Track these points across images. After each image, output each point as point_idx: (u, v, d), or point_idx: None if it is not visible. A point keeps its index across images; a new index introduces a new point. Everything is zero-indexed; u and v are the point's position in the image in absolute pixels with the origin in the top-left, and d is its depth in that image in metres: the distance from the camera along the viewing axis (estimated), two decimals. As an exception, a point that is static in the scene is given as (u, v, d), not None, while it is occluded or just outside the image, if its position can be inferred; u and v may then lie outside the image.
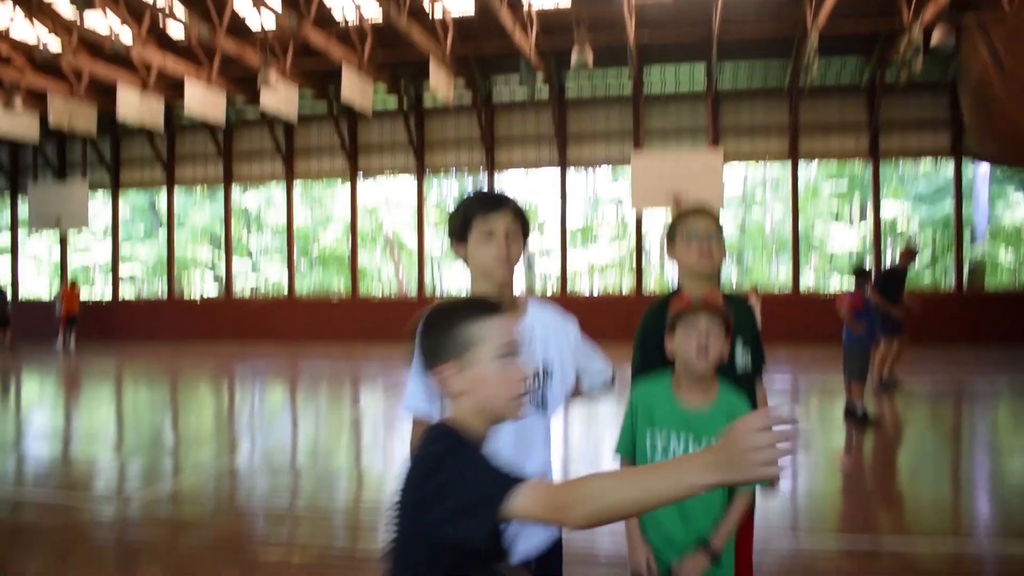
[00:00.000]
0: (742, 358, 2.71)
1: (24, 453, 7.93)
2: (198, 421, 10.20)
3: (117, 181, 22.96)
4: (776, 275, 30.69)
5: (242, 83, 18.27)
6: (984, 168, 25.39)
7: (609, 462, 2.56)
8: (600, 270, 31.48)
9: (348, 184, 21.38)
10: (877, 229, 19.16)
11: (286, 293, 22.27)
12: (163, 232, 26.01)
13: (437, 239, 28.41)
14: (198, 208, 31.91)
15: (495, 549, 1.56)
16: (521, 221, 2.21)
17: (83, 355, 18.18)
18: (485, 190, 2.27)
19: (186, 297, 27.52)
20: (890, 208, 26.50)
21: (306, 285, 31.19)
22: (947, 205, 23.68)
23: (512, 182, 22.79)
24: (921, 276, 26.15)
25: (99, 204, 26.02)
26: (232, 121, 21.23)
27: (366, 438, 8.90)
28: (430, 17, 16.24)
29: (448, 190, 30.00)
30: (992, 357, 14.68)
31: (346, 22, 16.64)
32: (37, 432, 9.32)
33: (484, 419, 1.64)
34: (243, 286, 30.94)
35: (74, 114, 17.85)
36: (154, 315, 22.69)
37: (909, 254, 10.90)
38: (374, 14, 16.46)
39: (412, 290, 25.13)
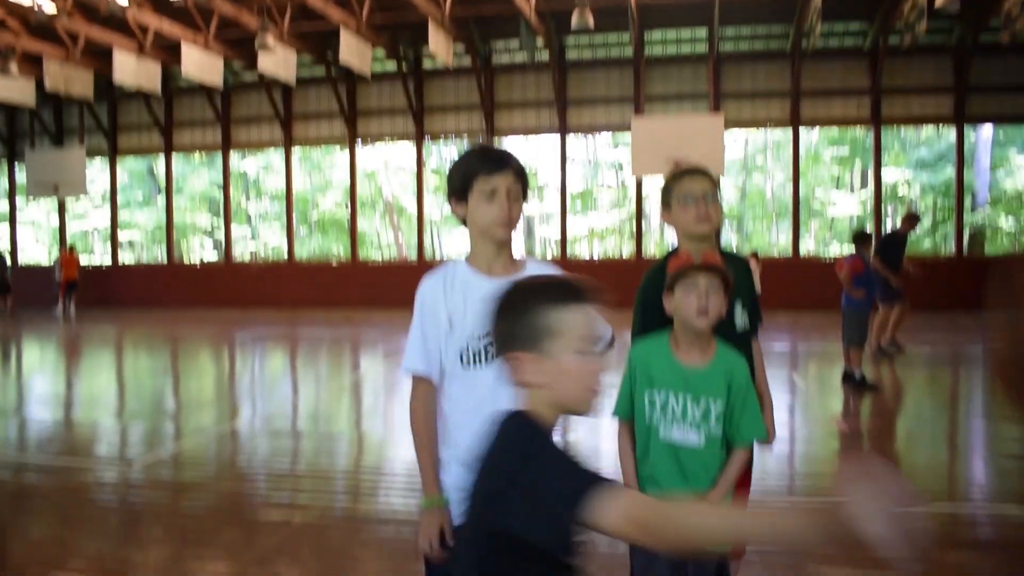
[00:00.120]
0: (741, 317, 2.71)
1: (26, 418, 7.98)
2: (199, 386, 10.25)
3: (115, 147, 22.81)
4: (776, 241, 30.67)
5: (239, 46, 18.07)
6: (986, 133, 25.28)
7: (608, 425, 2.56)
8: (600, 236, 31.44)
9: (347, 149, 21.26)
10: (878, 195, 19.09)
11: (286, 259, 22.24)
12: (161, 198, 25.91)
13: (436, 204, 28.34)
14: (196, 174, 31.77)
15: (569, 550, 1.49)
16: (522, 181, 2.19)
17: (83, 321, 18.21)
18: (486, 146, 2.23)
19: (186, 263, 27.50)
20: (891, 174, 26.40)
21: (306, 250, 31.18)
22: (948, 171, 23.61)
23: (512, 148, 22.67)
24: (921, 242, 26.11)
25: (97, 170, 25.92)
26: (230, 85, 21.04)
27: (366, 402, 8.95)
28: (429, -21, 16.04)
29: (448, 155, 29.87)
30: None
31: (344, -16, 16.44)
32: (39, 398, 9.37)
33: (557, 411, 1.57)
34: (242, 252, 30.92)
35: (70, 78, 17.69)
36: (153, 281, 22.67)
37: (911, 219, 10.85)
38: (372, -24, 16.25)
39: (412, 255, 25.11)
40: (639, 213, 20.29)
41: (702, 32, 18.47)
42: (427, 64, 20.18)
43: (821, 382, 9.39)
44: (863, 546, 1.17)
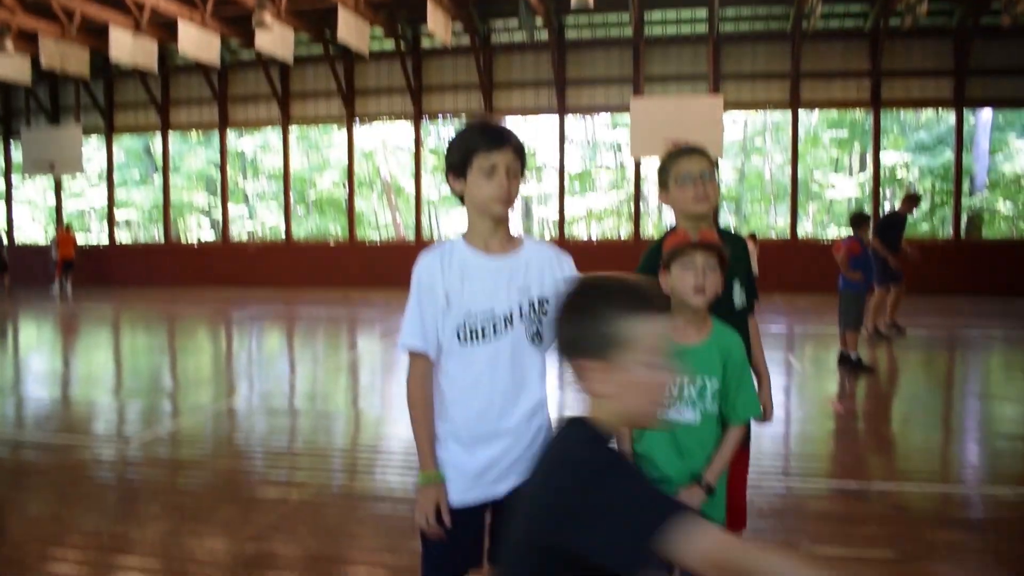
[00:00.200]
0: (739, 296, 2.72)
1: (23, 396, 7.99)
2: (196, 365, 10.26)
3: (111, 125, 22.71)
4: (774, 223, 30.66)
5: (237, 24, 17.95)
6: (986, 117, 25.21)
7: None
8: (598, 217, 31.40)
9: (345, 129, 21.19)
10: (877, 178, 19.07)
11: (283, 238, 22.21)
12: (158, 177, 25.81)
13: (434, 184, 28.28)
14: (193, 153, 31.63)
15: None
16: (521, 158, 2.19)
17: (80, 300, 18.20)
18: (485, 121, 2.22)
19: (183, 242, 27.45)
20: (890, 157, 26.35)
21: (303, 230, 31.12)
22: (947, 154, 23.58)
23: (511, 128, 22.57)
24: (919, 225, 26.11)
25: (93, 149, 25.80)
26: (227, 63, 20.92)
27: (363, 381, 8.97)
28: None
29: (445, 135, 29.79)
30: (988, 307, 14.74)
31: (342, -39, 16.31)
32: (36, 376, 9.38)
33: (622, 423, 1.53)
34: (240, 231, 30.86)
35: (66, 55, 17.58)
36: (150, 260, 22.64)
37: (911, 200, 10.84)
38: (370, -47, 16.13)
39: (410, 235, 25.09)
40: (637, 194, 20.27)
41: (702, 12, 18.37)
42: (425, 43, 20.07)
43: (817, 364, 9.42)
44: None
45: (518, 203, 2.22)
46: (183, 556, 3.71)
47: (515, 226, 2.34)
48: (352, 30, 15.82)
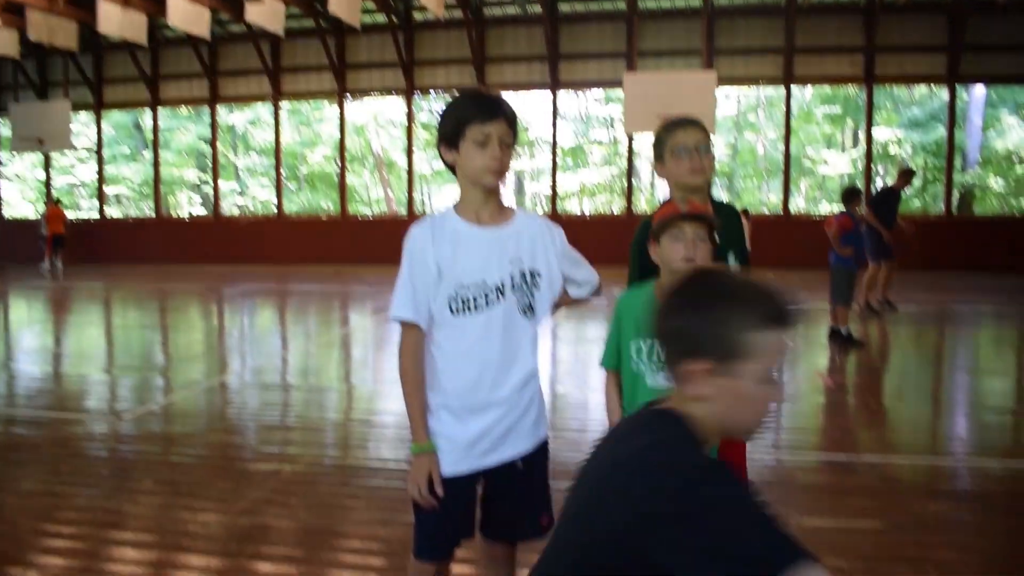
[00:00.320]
0: (734, 267, 2.72)
1: (15, 372, 7.97)
2: (188, 341, 10.24)
3: (100, 100, 22.49)
4: (767, 199, 30.67)
5: (226, -3, 17.76)
6: (979, 93, 25.18)
7: (596, 378, 2.58)
8: (590, 192, 31.35)
9: (336, 103, 21.04)
10: (869, 154, 19.07)
11: (275, 213, 22.11)
12: (148, 153, 25.62)
13: (426, 159, 28.17)
14: (183, 128, 31.40)
15: None
16: (514, 129, 2.18)
17: (70, 276, 18.12)
18: (479, 91, 2.21)
19: (174, 217, 27.32)
20: (883, 133, 26.34)
21: (295, 206, 31.00)
22: (940, 131, 23.57)
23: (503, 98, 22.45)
24: (911, 202, 26.15)
25: (82, 124, 25.58)
26: (217, 36, 20.70)
27: (355, 356, 8.98)
28: (419, -71, 15.75)
29: (438, 110, 29.64)
30: (978, 283, 14.80)
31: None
32: (27, 352, 9.35)
33: (717, 431, 1.40)
34: (231, 207, 30.73)
35: (54, 28, 17.34)
36: (141, 236, 22.51)
37: (906, 175, 10.85)
38: (361, -75, 15.92)
39: (402, 210, 25.02)
40: (630, 169, 20.23)
41: (696, -15, 18.23)
42: (417, 16, 19.90)
43: (808, 339, 9.44)
44: None
45: (510, 178, 2.21)
46: (176, 530, 3.72)
47: (508, 201, 2.34)
48: (343, 2, 15.64)
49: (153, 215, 23.83)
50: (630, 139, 19.68)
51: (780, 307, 1.36)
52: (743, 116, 31.44)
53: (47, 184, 23.98)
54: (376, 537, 3.65)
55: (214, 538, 3.64)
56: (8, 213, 25.15)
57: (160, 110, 22.56)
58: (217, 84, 21.49)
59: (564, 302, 2.40)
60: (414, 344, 2.22)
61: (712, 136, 2.78)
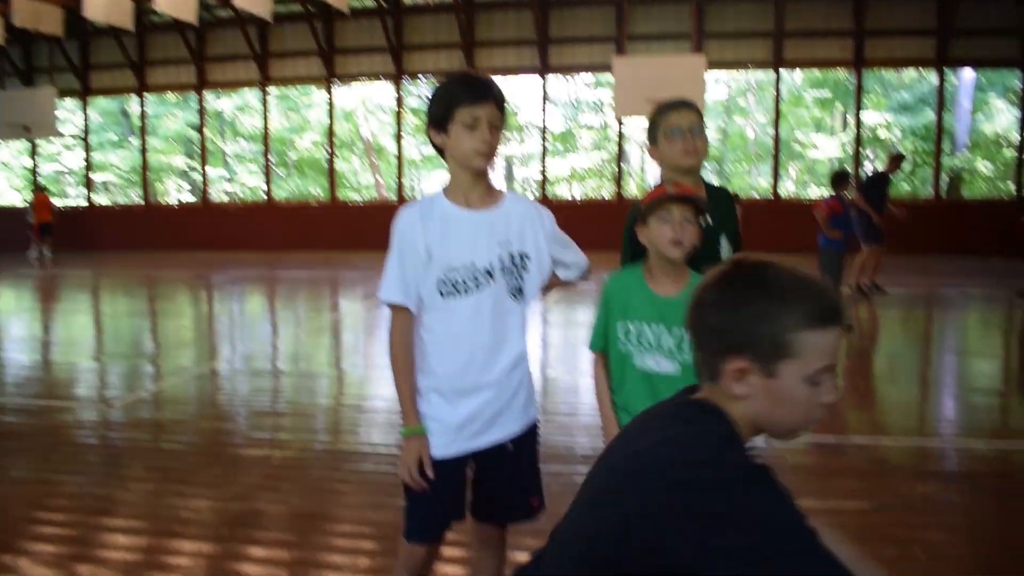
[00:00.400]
0: (726, 250, 2.72)
1: (4, 361, 7.92)
2: (177, 328, 10.21)
3: (87, 87, 22.30)
4: (756, 183, 30.69)
5: (212, -18, 17.61)
6: (968, 76, 25.22)
7: (587, 362, 2.59)
8: (580, 177, 31.31)
9: (324, 89, 20.92)
10: (858, 138, 19.10)
11: (264, 200, 22.01)
12: (136, 139, 25.44)
13: (416, 144, 28.05)
14: (171, 114, 31.16)
15: None
16: (502, 111, 2.18)
17: (59, 264, 18.02)
18: (468, 74, 2.20)
19: (163, 203, 27.16)
20: (872, 117, 26.37)
21: (284, 192, 30.85)
22: (928, 115, 23.60)
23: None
24: (900, 185, 26.21)
25: (68, 111, 25.35)
26: (205, 21, 20.51)
27: (346, 342, 8.97)
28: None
29: (427, 94, 29.51)
30: (967, 266, 14.87)
31: (319, -83, 15.99)
32: (16, 340, 9.31)
33: (758, 430, 1.32)
34: (219, 193, 30.56)
35: (39, 14, 17.15)
36: (130, 223, 22.37)
37: (896, 159, 10.90)
38: (348, -92, 15.78)
39: (392, 195, 24.95)
40: (620, 154, 20.22)
41: (685, -31, 18.17)
42: (406, 0, 19.77)
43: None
44: None
45: (500, 164, 2.21)
46: (168, 516, 3.72)
47: (498, 186, 2.33)
48: (331, -14, 15.53)
49: (141, 202, 23.68)
50: (620, 124, 19.65)
51: (829, 304, 1.27)
52: (733, 100, 31.39)
53: (34, 172, 23.79)
54: (367, 521, 3.66)
55: (205, 524, 3.64)
56: (-5, 201, 24.96)
57: (147, 96, 22.37)
58: (204, 70, 21.32)
59: (553, 284, 2.41)
60: (404, 327, 2.22)
61: (704, 122, 2.77)
